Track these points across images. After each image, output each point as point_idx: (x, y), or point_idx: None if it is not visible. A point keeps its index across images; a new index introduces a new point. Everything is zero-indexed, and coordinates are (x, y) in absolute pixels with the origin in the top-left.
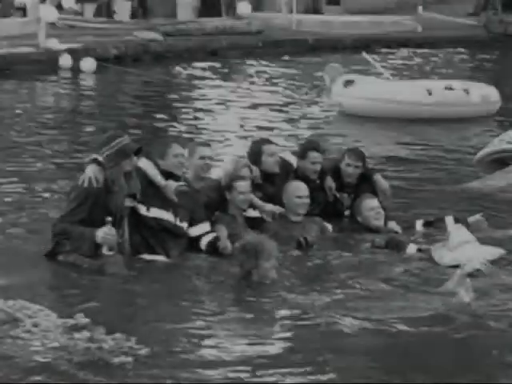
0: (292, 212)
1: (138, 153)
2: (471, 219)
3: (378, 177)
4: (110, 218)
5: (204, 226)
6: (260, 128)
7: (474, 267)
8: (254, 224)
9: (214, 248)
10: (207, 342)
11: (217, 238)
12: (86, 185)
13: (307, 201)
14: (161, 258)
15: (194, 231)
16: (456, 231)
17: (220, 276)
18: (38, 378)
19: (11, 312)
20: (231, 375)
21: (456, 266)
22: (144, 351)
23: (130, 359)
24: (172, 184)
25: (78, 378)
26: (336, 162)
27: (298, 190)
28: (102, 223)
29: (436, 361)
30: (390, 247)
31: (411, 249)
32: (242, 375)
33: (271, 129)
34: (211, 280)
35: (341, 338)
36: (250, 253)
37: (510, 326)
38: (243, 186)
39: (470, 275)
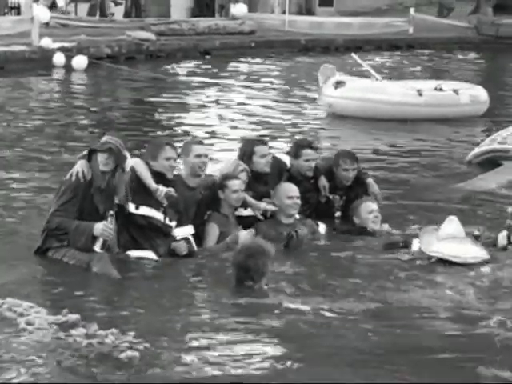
0: (283, 213)
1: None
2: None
3: (370, 180)
4: (111, 212)
5: (187, 229)
6: (250, 127)
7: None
8: (245, 223)
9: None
10: (200, 339)
11: (185, 239)
12: (73, 179)
13: (298, 202)
14: (149, 254)
15: (177, 232)
16: (448, 223)
17: (210, 274)
18: (50, 376)
19: (0, 310)
20: (224, 373)
21: (440, 260)
22: (143, 346)
23: (136, 354)
24: (162, 189)
25: (90, 374)
26: (329, 164)
27: (288, 190)
28: (91, 219)
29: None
30: (395, 246)
31: (416, 245)
32: (235, 372)
33: (261, 128)
34: (200, 278)
35: (335, 338)
36: (266, 255)
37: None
38: (236, 184)
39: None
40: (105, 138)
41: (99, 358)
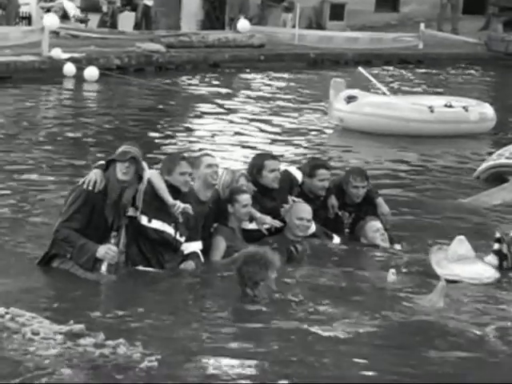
0: (291, 232)
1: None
2: None
3: (380, 200)
4: (115, 233)
5: (195, 245)
6: (259, 140)
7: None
8: (249, 237)
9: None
10: (205, 350)
11: (193, 254)
12: (85, 187)
13: (308, 224)
14: (156, 271)
15: (186, 247)
16: (458, 244)
17: (216, 287)
18: None
19: (2, 321)
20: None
21: (454, 281)
22: (155, 357)
23: (155, 363)
24: (180, 205)
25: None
26: (340, 181)
27: (301, 211)
28: (98, 230)
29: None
30: None
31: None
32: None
33: (270, 142)
34: (206, 291)
35: (336, 351)
36: (262, 264)
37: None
38: (246, 198)
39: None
40: (123, 148)
41: (118, 369)
